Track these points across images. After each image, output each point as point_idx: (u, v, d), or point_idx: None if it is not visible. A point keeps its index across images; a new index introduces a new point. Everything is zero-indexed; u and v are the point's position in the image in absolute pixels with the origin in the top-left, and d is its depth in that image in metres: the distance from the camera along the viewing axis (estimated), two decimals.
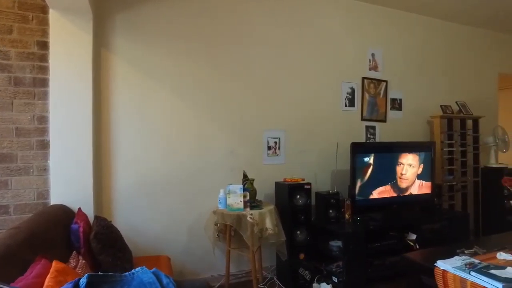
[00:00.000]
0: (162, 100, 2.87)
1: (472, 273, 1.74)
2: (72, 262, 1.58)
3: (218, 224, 2.75)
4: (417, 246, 3.09)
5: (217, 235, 2.81)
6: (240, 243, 2.80)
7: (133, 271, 1.21)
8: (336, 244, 2.94)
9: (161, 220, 2.86)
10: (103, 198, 2.70)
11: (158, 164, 2.85)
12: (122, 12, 2.75)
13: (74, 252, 1.71)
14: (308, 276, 2.93)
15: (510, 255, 2.04)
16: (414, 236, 3.18)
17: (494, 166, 4.28)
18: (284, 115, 3.32)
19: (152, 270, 1.24)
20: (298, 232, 2.93)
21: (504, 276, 1.65)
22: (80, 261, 1.62)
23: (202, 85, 3.00)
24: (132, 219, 2.77)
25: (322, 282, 2.90)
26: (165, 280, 1.18)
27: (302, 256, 2.92)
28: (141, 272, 1.20)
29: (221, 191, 2.75)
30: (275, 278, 3.11)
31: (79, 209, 2.28)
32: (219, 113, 3.07)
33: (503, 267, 1.76)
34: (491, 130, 4.42)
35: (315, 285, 2.90)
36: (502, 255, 2.05)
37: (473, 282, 1.71)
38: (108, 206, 2.72)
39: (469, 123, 4.33)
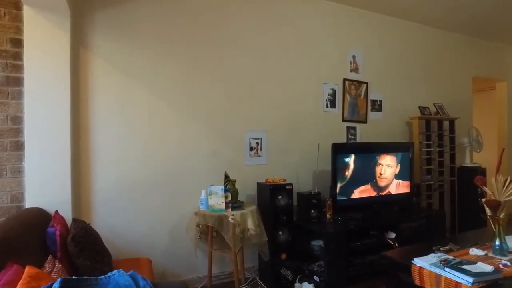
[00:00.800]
0: (143, 100, 2.83)
1: (446, 269, 1.79)
2: (48, 267, 1.54)
3: (200, 225, 2.74)
4: (396, 245, 3.16)
5: (199, 236, 2.79)
6: (222, 244, 2.79)
7: (109, 274, 1.19)
8: (317, 243, 2.97)
9: (142, 222, 2.82)
10: (82, 200, 2.64)
11: (139, 165, 2.82)
12: (102, 11, 2.70)
13: (50, 256, 1.66)
14: (290, 276, 2.95)
15: (481, 250, 2.11)
16: (393, 235, 3.25)
17: (469, 165, 4.43)
18: (266, 116, 3.33)
19: (129, 273, 1.22)
20: (280, 232, 2.95)
21: (474, 270, 1.71)
22: (56, 265, 1.58)
23: (183, 86, 2.98)
24: (112, 221, 2.72)
25: (304, 281, 2.92)
26: (142, 283, 1.17)
27: (284, 256, 2.94)
28: (118, 275, 1.18)
29: (203, 192, 2.74)
30: (257, 279, 3.11)
31: (56, 212, 2.22)
32: (201, 114, 3.05)
33: (474, 262, 1.82)
34: (466, 131, 4.57)
35: (297, 284, 2.92)
36: (474, 251, 2.12)
37: (446, 277, 1.76)
38: (87, 209, 2.66)
39: (446, 124, 4.47)
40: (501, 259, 2.00)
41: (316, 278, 2.90)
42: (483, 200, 2.19)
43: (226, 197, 2.65)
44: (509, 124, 5.60)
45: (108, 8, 2.72)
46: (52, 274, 1.47)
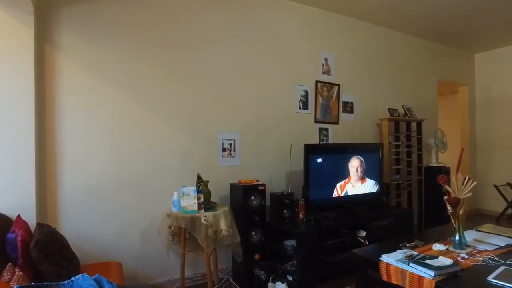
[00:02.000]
0: (112, 100, 2.77)
1: (411, 264, 1.86)
2: (6, 275, 1.46)
3: (172, 227, 2.72)
4: (367, 242, 3.24)
5: (171, 238, 2.77)
6: (195, 245, 2.77)
7: (72, 278, 1.15)
8: (290, 243, 3.00)
9: (112, 225, 2.75)
10: (47, 204, 2.54)
11: (109, 166, 2.75)
12: (68, 7, 2.62)
13: (9, 264, 1.58)
14: (263, 276, 2.97)
15: (443, 245, 2.22)
16: (364, 233, 3.34)
17: (435, 165, 4.62)
18: (239, 117, 3.34)
19: (94, 277, 1.19)
20: (253, 233, 2.96)
21: (435, 264, 1.79)
22: (17, 273, 1.51)
23: (156, 86, 2.94)
24: (81, 224, 2.64)
25: (277, 281, 2.95)
26: (107, 286, 1.14)
27: (257, 256, 2.96)
28: (81, 279, 1.14)
29: (175, 193, 2.71)
30: (231, 280, 3.11)
31: (18, 216, 2.12)
32: (173, 114, 3.02)
33: (436, 257, 1.91)
34: (432, 132, 4.77)
35: (270, 284, 2.94)
36: (436, 246, 2.22)
37: (411, 272, 1.83)
38: (53, 212, 2.56)
39: (414, 125, 4.65)
40: (459, 253, 2.10)
41: (289, 278, 2.94)
42: (445, 197, 2.30)
43: (198, 198, 2.64)
44: (470, 125, 5.90)
45: (75, 4, 2.63)
46: (11, 283, 1.40)
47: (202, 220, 2.52)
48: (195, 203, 2.62)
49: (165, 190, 2.90)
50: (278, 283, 2.91)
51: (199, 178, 2.82)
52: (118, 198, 2.78)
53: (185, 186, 2.67)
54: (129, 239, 2.82)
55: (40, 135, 2.47)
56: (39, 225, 1.98)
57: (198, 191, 2.68)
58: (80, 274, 1.19)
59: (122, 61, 2.80)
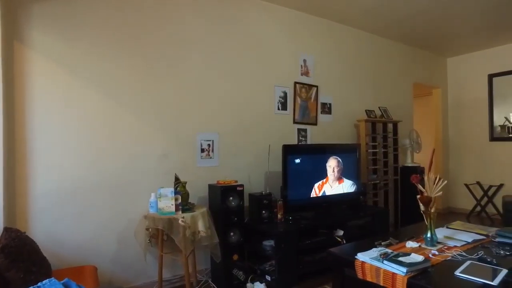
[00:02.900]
0: (87, 100, 2.70)
1: (385, 262, 1.90)
2: None
3: (150, 229, 2.68)
4: (344, 241, 3.30)
5: (149, 240, 2.72)
6: (173, 247, 2.74)
7: (39, 284, 1.11)
8: (269, 243, 3.02)
9: (87, 228, 2.68)
10: (17, 207, 2.45)
11: (83, 167, 2.67)
12: (40, 5, 2.53)
13: None
14: (242, 277, 2.97)
15: (416, 243, 2.29)
16: (341, 232, 3.39)
17: (410, 165, 4.76)
18: (218, 117, 3.33)
19: (62, 281, 1.16)
20: (232, 234, 2.96)
21: (408, 261, 1.84)
22: None
23: (133, 86, 2.89)
24: (54, 228, 2.56)
25: (256, 281, 2.95)
26: None
27: (235, 257, 2.95)
28: (49, 284, 1.11)
29: (152, 194, 2.67)
30: (209, 281, 3.09)
31: None
32: (151, 114, 2.97)
33: (409, 254, 1.97)
34: (408, 133, 4.91)
35: (249, 285, 2.94)
36: (409, 244, 2.28)
37: (385, 269, 1.88)
38: (24, 216, 2.47)
39: (390, 126, 4.77)
40: (431, 249, 2.18)
41: (268, 278, 2.95)
42: (418, 196, 2.37)
43: (176, 200, 2.61)
44: (443, 127, 6.11)
45: (48, 4, 2.55)
46: None
47: (180, 222, 2.50)
48: (172, 204, 2.59)
49: (142, 192, 2.86)
50: (257, 283, 2.91)
51: (176, 179, 2.79)
52: (93, 200, 2.71)
53: (162, 187, 2.63)
54: (104, 242, 2.75)
55: (9, 137, 2.37)
56: (6, 229, 1.91)
57: (176, 192, 2.65)
58: (47, 279, 1.16)
59: (98, 60, 2.74)
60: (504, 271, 1.78)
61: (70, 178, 2.63)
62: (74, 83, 2.65)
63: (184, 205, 2.71)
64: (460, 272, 1.79)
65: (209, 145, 3.25)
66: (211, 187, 3.09)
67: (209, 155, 3.25)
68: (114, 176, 2.80)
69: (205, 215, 2.70)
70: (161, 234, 2.70)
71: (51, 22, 2.57)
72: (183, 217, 2.52)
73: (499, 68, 5.51)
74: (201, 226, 2.60)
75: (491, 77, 5.62)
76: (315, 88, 4.06)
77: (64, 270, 2.34)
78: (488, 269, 1.83)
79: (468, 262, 1.93)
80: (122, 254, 2.82)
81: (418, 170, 4.53)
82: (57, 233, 2.57)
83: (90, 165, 2.70)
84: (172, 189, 2.63)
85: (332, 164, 3.60)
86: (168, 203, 2.59)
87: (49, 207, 2.55)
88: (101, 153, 2.75)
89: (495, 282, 1.67)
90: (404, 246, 2.27)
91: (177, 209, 2.61)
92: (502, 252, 2.10)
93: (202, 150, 3.21)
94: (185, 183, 2.80)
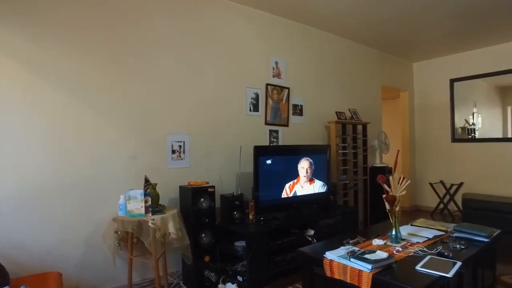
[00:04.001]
0: (52, 100, 2.60)
1: (351, 259, 1.97)
2: None
3: (119, 232, 2.62)
4: (315, 241, 3.36)
5: (118, 243, 2.67)
6: (143, 250, 2.69)
7: None
8: (240, 244, 3.03)
9: (51, 233, 2.58)
10: None
11: (48, 169, 2.57)
12: (2, 2, 2.42)
13: None
14: (214, 278, 2.96)
15: (381, 240, 2.38)
16: (312, 232, 3.46)
17: (378, 165, 4.92)
18: (189, 118, 3.31)
19: None
20: (203, 235, 2.95)
21: (373, 258, 1.92)
22: None
23: (100, 86, 2.81)
24: (15, 235, 2.44)
25: (228, 282, 2.96)
26: None
27: (207, 258, 2.95)
28: None
29: (121, 197, 2.61)
30: (181, 283, 3.06)
31: None
32: (120, 115, 2.91)
33: (374, 251, 2.04)
34: (376, 135, 5.08)
35: (220, 286, 2.94)
36: (376, 241, 2.37)
37: (351, 267, 1.95)
38: None
39: (359, 128, 4.92)
40: (395, 246, 2.28)
41: (239, 278, 2.96)
42: (383, 196, 2.47)
43: (146, 202, 2.57)
44: (410, 128, 6.37)
45: (12, 2, 2.45)
46: None
47: (150, 224, 2.46)
48: (142, 207, 2.55)
49: (111, 194, 2.79)
50: (229, 284, 2.92)
51: (146, 180, 2.75)
52: (58, 203, 2.62)
53: (131, 189, 2.58)
54: (70, 247, 2.66)
55: None
56: None
57: (146, 194, 2.61)
58: None
59: (63, 59, 2.64)
60: (458, 264, 1.90)
61: (33, 181, 2.52)
62: (37, 82, 2.55)
63: (154, 207, 2.68)
64: (421, 267, 1.89)
65: (180, 146, 3.22)
66: (182, 188, 3.07)
67: (180, 156, 3.22)
68: (81, 178, 2.72)
69: (176, 216, 2.68)
70: (131, 237, 2.65)
71: (12, 19, 2.45)
72: (153, 219, 2.48)
73: (459, 73, 5.83)
74: (171, 228, 2.58)
75: (452, 81, 5.93)
76: (287, 90, 4.12)
77: (25, 278, 2.24)
78: (445, 262, 1.95)
79: (428, 257, 2.04)
80: (90, 259, 2.74)
81: (386, 170, 4.70)
82: (19, 239, 2.46)
83: (55, 167, 2.61)
84: (142, 191, 2.58)
85: (303, 165, 3.67)
86: (137, 205, 2.54)
87: (9, 212, 2.43)
88: (67, 154, 2.66)
89: (450, 274, 1.79)
90: (371, 244, 2.36)
91: (147, 211, 2.57)
92: (458, 246, 2.23)
93: (173, 152, 3.18)
94: (155, 184, 2.77)
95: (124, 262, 2.83)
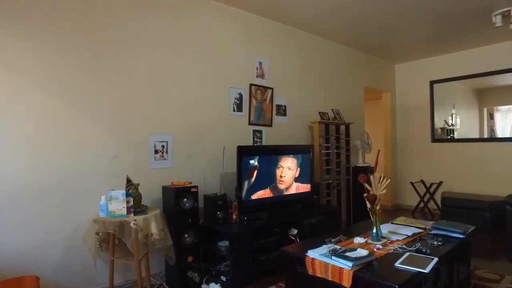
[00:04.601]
0: (31, 99, 2.53)
1: (333, 257, 2.00)
2: None
3: (100, 233, 2.58)
4: (298, 240, 3.40)
5: (99, 245, 2.62)
6: (125, 251, 2.65)
7: None
8: (224, 244, 3.03)
9: (30, 235, 2.52)
10: None
11: (25, 170, 2.51)
12: None
13: None
14: (197, 278, 2.95)
15: (362, 238, 2.43)
16: (295, 231, 3.49)
17: (361, 165, 5.00)
18: (173, 118, 3.28)
19: None
20: (186, 235, 2.93)
21: (354, 256, 1.96)
22: None
23: (81, 85, 2.76)
24: None
25: (211, 282, 2.95)
26: None
27: (190, 258, 2.93)
28: None
29: (103, 197, 2.57)
30: (164, 284, 3.04)
31: None
32: (101, 115, 2.86)
33: (355, 249, 2.08)
34: (359, 135, 5.17)
35: (204, 286, 2.93)
36: (357, 239, 2.42)
37: (333, 265, 1.98)
38: None
39: (342, 128, 4.98)
40: (376, 244, 2.32)
41: (223, 278, 2.96)
42: (364, 195, 2.52)
43: (127, 202, 2.54)
44: (392, 128, 6.51)
45: None
46: None
47: (132, 224, 2.43)
48: (124, 207, 2.51)
49: (92, 195, 2.75)
50: (212, 284, 2.92)
51: (128, 181, 2.71)
52: (36, 204, 2.55)
53: (113, 190, 2.55)
54: (49, 250, 2.60)
55: None
56: None
57: (128, 195, 2.57)
58: None
59: (43, 57, 2.58)
60: (435, 260, 1.97)
61: (11, 181, 2.45)
62: (15, 80, 2.48)
63: (137, 207, 2.65)
64: (400, 263, 1.94)
65: (163, 146, 3.19)
66: (165, 188, 3.04)
67: (163, 156, 3.19)
68: (61, 179, 2.66)
69: (159, 217, 2.66)
70: (112, 238, 2.61)
71: None
72: (135, 220, 2.45)
73: (439, 75, 5.99)
74: (154, 228, 2.56)
75: (432, 83, 6.09)
76: (271, 90, 4.14)
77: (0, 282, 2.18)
78: (423, 258, 2.00)
79: (407, 254, 2.09)
80: (69, 261, 2.68)
81: (369, 170, 4.77)
82: None
83: (34, 167, 2.54)
84: (124, 191, 2.55)
85: (286, 165, 3.70)
86: (119, 206, 2.51)
87: None
88: (46, 154, 2.60)
89: (427, 270, 1.85)
90: (352, 242, 2.40)
91: (128, 212, 2.54)
92: (435, 243, 2.30)
93: (156, 152, 3.15)
94: (138, 185, 2.74)
95: (105, 264, 2.79)
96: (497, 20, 4.00)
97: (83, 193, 2.75)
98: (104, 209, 2.56)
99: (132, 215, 2.54)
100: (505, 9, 3.89)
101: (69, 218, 2.69)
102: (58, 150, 2.65)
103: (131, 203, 2.57)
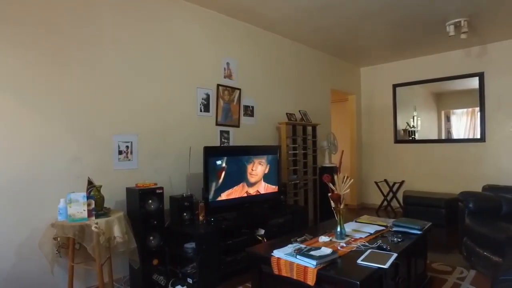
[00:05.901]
0: None
1: (298, 256, 2.03)
2: None
3: (58, 238, 2.45)
4: (265, 240, 3.41)
5: (57, 250, 2.49)
6: (86, 256, 2.54)
7: None
8: (190, 246, 2.99)
9: None
10: None
11: None
12: None
13: None
14: (163, 281, 2.89)
15: (327, 237, 2.48)
16: (262, 231, 3.51)
17: (327, 165, 5.12)
18: (138, 118, 3.19)
19: None
20: (151, 238, 2.86)
21: (318, 254, 2.00)
22: None
23: (39, 82, 2.61)
24: None
25: (177, 285, 2.90)
26: None
27: (155, 261, 2.87)
28: None
29: (61, 200, 2.46)
30: None
31: None
32: (61, 114, 2.72)
33: (320, 248, 2.13)
34: (326, 136, 5.29)
35: None
36: (322, 238, 2.47)
37: (298, 264, 2.01)
38: None
39: (309, 129, 5.07)
40: (340, 242, 2.38)
41: (190, 280, 2.92)
42: (329, 194, 2.58)
43: (88, 205, 2.44)
44: (357, 129, 6.72)
45: None
46: None
47: (93, 228, 2.34)
48: (84, 210, 2.42)
49: (50, 198, 2.61)
50: (178, 287, 2.87)
51: (90, 182, 2.61)
52: None
53: (73, 192, 2.44)
54: (0, 258, 2.44)
55: None
56: None
57: (89, 197, 2.48)
58: None
59: None
60: (394, 255, 2.05)
61: None
62: None
63: (99, 210, 2.55)
64: (362, 260, 2.01)
65: (127, 147, 3.10)
66: (129, 190, 2.96)
67: (127, 157, 3.10)
68: (15, 180, 2.50)
69: (122, 219, 2.58)
70: (72, 243, 2.50)
71: None
72: (96, 223, 2.37)
73: (401, 79, 6.27)
74: (117, 231, 2.48)
75: (395, 86, 6.36)
76: (238, 91, 4.14)
77: None
78: (383, 255, 2.08)
79: (368, 251, 2.17)
80: (23, 270, 2.52)
81: (335, 170, 4.88)
82: None
83: None
84: (84, 193, 2.45)
85: (253, 165, 3.71)
86: (79, 209, 2.41)
87: None
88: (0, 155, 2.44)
89: (387, 265, 1.93)
90: (317, 241, 2.44)
91: (90, 215, 2.44)
92: (395, 239, 2.40)
93: (120, 152, 3.05)
94: (100, 187, 2.63)
95: (64, 270, 2.66)
96: (450, 30, 4.28)
97: (40, 195, 2.61)
98: (63, 212, 2.44)
99: (93, 218, 2.45)
100: (456, 20, 4.15)
101: (24, 222, 2.53)
102: (13, 149, 2.49)
103: (93, 205, 2.48)
